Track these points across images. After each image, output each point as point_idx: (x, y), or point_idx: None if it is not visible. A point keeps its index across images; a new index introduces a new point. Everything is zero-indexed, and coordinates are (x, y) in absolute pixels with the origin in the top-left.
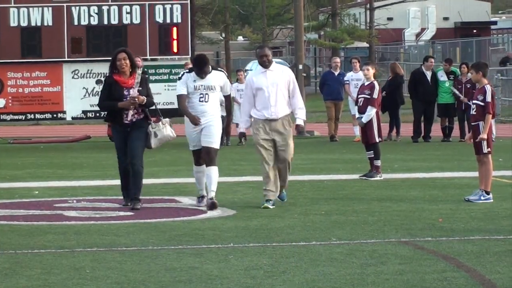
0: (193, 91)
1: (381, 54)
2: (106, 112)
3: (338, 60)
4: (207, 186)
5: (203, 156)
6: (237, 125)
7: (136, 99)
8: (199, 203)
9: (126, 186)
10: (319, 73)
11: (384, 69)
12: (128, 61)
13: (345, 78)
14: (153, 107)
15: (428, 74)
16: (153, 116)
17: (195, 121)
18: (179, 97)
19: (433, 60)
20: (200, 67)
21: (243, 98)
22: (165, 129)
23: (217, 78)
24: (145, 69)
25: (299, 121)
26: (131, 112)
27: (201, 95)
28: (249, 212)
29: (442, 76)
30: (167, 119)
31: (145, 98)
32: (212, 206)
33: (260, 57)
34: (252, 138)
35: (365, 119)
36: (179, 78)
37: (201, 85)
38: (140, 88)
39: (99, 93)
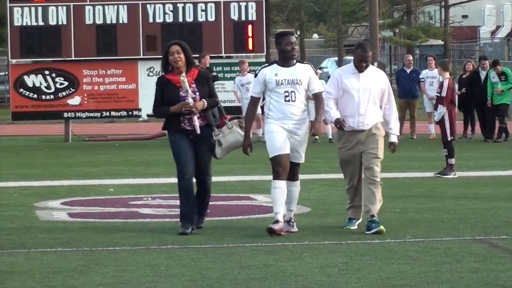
0: (275, 86)
1: (455, 52)
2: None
3: (410, 57)
4: (287, 203)
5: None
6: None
7: (194, 109)
8: (274, 224)
9: (187, 212)
10: (394, 71)
11: (460, 66)
12: (182, 55)
13: (421, 76)
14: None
15: (483, 74)
16: (222, 118)
17: (246, 149)
18: (251, 99)
19: (486, 61)
20: (284, 34)
21: (325, 97)
22: (231, 135)
23: (302, 70)
24: (213, 67)
25: (394, 138)
26: (194, 118)
27: (287, 93)
28: (324, 210)
29: (494, 78)
30: (235, 121)
31: (204, 101)
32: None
33: (360, 60)
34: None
35: (436, 117)
36: (255, 75)
37: (285, 79)
38: (192, 93)
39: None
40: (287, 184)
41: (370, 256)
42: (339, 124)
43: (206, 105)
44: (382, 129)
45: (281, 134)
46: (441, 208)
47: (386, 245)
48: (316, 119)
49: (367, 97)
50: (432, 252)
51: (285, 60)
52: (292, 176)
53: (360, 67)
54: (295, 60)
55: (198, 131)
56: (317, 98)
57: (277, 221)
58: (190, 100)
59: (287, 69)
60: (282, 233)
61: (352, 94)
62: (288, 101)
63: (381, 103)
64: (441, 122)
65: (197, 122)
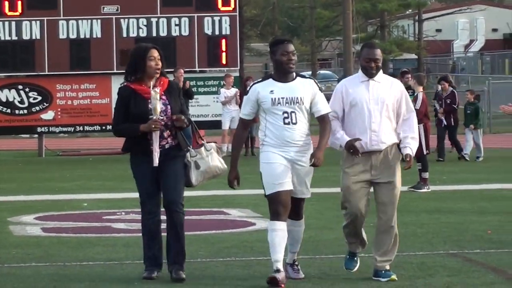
0: (271, 106)
1: (429, 66)
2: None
3: None
4: (289, 244)
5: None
6: None
7: (161, 122)
8: (276, 273)
9: (153, 254)
10: None
11: (434, 81)
12: (160, 63)
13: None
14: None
15: None
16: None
17: (232, 183)
18: (239, 122)
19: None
20: (280, 42)
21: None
22: (210, 158)
23: (304, 86)
24: (188, 80)
25: (408, 150)
26: (155, 146)
27: (286, 115)
28: None
29: None
30: (212, 144)
31: (182, 117)
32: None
33: (367, 60)
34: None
35: None
36: (246, 93)
37: (282, 98)
38: (162, 105)
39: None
40: (289, 223)
41: (344, 271)
42: (352, 148)
43: (184, 122)
44: (398, 153)
45: (280, 165)
46: (414, 222)
47: (360, 259)
48: (319, 147)
49: (379, 109)
50: (406, 266)
51: (281, 74)
52: (295, 214)
53: (370, 70)
54: (294, 74)
55: (156, 163)
56: (322, 120)
57: (278, 270)
58: (160, 117)
59: (285, 84)
60: (283, 285)
61: (361, 106)
62: (288, 123)
63: (397, 119)
64: None
65: (157, 151)
